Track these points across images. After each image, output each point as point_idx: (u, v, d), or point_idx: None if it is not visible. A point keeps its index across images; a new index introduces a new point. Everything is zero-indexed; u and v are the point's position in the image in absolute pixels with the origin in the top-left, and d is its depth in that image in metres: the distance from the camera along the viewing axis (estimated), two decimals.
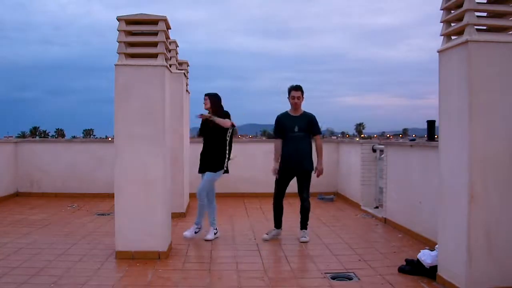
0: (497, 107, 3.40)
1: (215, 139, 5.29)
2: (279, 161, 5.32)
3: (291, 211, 7.35)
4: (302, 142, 5.22)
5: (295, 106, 5.27)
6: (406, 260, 4.13)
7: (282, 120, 5.32)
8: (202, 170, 5.38)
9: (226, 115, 5.30)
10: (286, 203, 8.04)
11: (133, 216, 4.44)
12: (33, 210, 7.21)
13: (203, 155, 5.40)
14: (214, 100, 5.38)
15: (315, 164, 5.35)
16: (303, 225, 5.41)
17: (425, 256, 3.93)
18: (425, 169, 5.26)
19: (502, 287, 3.37)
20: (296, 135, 5.20)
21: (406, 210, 5.73)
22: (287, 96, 5.31)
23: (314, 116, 5.35)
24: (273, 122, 5.46)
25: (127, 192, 4.45)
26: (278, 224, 5.48)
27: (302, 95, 5.28)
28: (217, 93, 5.50)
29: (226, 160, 5.31)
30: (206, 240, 5.21)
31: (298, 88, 5.27)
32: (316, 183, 8.60)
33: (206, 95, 5.47)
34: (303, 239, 5.26)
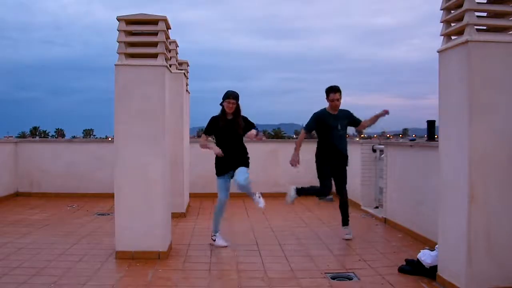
0: (497, 107, 3.40)
1: (241, 140, 5.06)
2: (321, 153, 5.39)
3: (290, 210, 7.36)
4: (343, 139, 5.40)
5: (336, 107, 5.33)
6: (406, 260, 4.13)
7: (324, 119, 5.34)
8: (229, 169, 4.99)
9: (249, 123, 5.06)
10: (284, 204, 8.06)
11: (133, 216, 4.43)
12: (33, 210, 7.21)
13: (231, 157, 4.95)
14: (238, 106, 4.98)
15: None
16: (345, 221, 5.43)
17: (425, 256, 3.93)
18: (425, 169, 5.26)
19: (502, 287, 3.37)
20: (339, 133, 5.33)
21: (406, 210, 5.73)
22: (326, 97, 5.34)
23: (349, 111, 5.46)
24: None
25: (127, 192, 4.45)
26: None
27: (340, 95, 5.34)
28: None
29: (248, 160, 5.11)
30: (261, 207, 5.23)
31: (336, 90, 5.31)
32: (316, 183, 8.60)
33: (233, 97, 4.92)
34: (347, 236, 5.33)
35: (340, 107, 5.37)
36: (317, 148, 5.44)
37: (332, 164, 5.35)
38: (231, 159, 4.97)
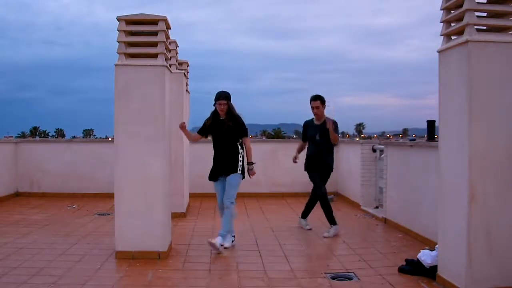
0: (497, 107, 3.40)
1: (232, 143, 4.90)
2: (305, 159, 5.86)
3: (290, 210, 7.36)
4: (322, 147, 5.65)
5: (316, 116, 5.68)
6: (406, 260, 4.13)
7: (307, 128, 5.82)
8: (219, 174, 4.94)
9: (241, 123, 4.92)
10: (284, 203, 8.09)
11: (133, 216, 4.43)
12: (33, 210, 7.21)
13: (220, 159, 4.93)
14: (231, 105, 4.88)
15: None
16: (304, 214, 5.96)
17: (425, 256, 3.93)
18: (425, 169, 5.26)
19: (502, 287, 3.37)
20: (317, 142, 5.65)
21: (406, 210, 5.73)
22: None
23: (335, 124, 5.62)
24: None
25: (127, 192, 4.45)
26: (331, 220, 5.68)
27: (322, 104, 5.64)
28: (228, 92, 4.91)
29: (241, 163, 4.92)
30: (225, 248, 4.81)
31: (316, 98, 5.61)
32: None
33: (223, 98, 4.82)
34: (307, 227, 5.84)
35: (334, 117, 5.91)
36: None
37: (315, 169, 5.72)
38: (220, 162, 4.94)
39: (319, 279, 3.91)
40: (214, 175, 5.00)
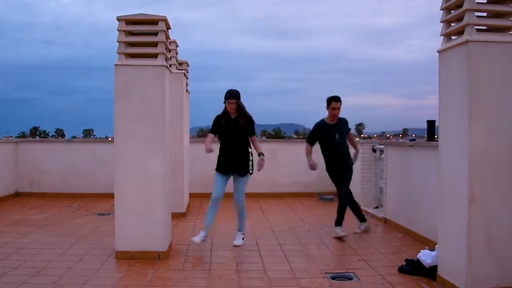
0: (497, 107, 3.40)
1: (243, 140, 4.88)
2: (326, 161, 5.65)
3: (290, 211, 7.36)
4: (342, 147, 5.59)
5: (334, 117, 5.56)
6: (406, 260, 4.13)
7: (322, 130, 5.60)
8: (230, 171, 4.87)
9: (252, 122, 4.95)
10: (284, 204, 8.09)
11: (133, 216, 4.43)
12: (33, 210, 7.21)
13: (230, 156, 4.86)
14: (241, 103, 4.86)
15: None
16: (337, 221, 5.52)
17: (425, 256, 3.93)
18: (425, 169, 5.26)
19: (502, 287, 3.37)
20: (337, 142, 5.55)
21: (406, 210, 5.73)
22: (326, 106, 5.57)
23: (346, 119, 5.70)
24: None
25: (127, 192, 4.45)
26: (361, 217, 5.69)
27: (341, 104, 5.59)
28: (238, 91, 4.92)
29: (251, 162, 4.91)
30: (235, 246, 4.86)
31: (339, 99, 5.55)
32: (317, 183, 8.61)
33: (233, 97, 4.80)
34: (341, 234, 5.42)
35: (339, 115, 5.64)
36: (324, 158, 5.63)
37: (338, 170, 5.56)
38: (232, 159, 4.87)
39: (319, 279, 3.91)
40: (225, 170, 4.88)
